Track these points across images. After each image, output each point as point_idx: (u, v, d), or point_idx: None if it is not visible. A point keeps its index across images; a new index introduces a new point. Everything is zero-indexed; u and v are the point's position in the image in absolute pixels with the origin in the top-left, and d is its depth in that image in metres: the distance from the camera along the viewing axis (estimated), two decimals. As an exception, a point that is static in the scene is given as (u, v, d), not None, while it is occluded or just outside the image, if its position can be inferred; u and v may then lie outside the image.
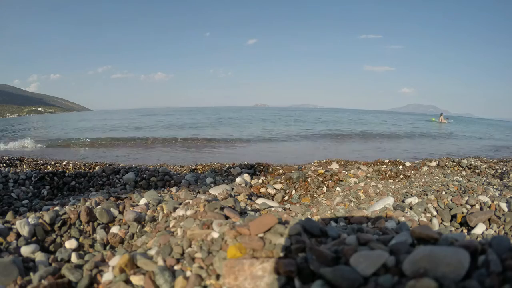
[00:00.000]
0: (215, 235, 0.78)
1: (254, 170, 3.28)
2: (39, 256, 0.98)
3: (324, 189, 2.53)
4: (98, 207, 1.25)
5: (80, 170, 3.29)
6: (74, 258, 1.01)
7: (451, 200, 1.82)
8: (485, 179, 2.63)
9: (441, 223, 1.74)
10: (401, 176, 2.90)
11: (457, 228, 1.69)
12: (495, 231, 1.60)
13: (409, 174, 2.98)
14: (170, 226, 1.06)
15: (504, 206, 1.69)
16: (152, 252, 0.83)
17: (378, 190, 2.42)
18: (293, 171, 2.97)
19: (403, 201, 1.98)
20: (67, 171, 3.17)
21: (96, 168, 3.39)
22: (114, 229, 1.15)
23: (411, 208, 1.81)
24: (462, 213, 1.72)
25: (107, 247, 1.10)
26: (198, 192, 2.01)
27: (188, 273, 0.71)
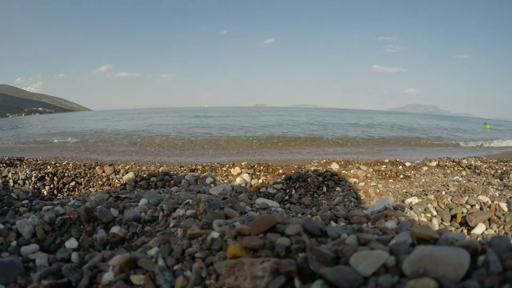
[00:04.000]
0: (215, 235, 0.78)
1: (254, 170, 3.28)
2: (39, 256, 0.98)
3: (324, 189, 2.53)
4: (98, 207, 1.25)
5: (80, 170, 3.29)
6: (74, 258, 1.01)
7: (451, 200, 1.82)
8: (485, 179, 2.63)
9: (441, 223, 1.74)
10: (401, 176, 2.90)
11: (457, 228, 1.69)
12: (495, 231, 1.60)
13: (409, 174, 2.98)
14: (170, 226, 1.06)
15: (504, 206, 1.69)
16: (152, 252, 0.83)
17: (378, 190, 2.42)
18: (293, 171, 2.97)
19: (403, 201, 1.98)
20: (67, 171, 3.17)
21: (96, 168, 3.39)
22: (114, 229, 1.15)
23: (411, 208, 1.81)
24: (462, 213, 1.72)
25: (107, 247, 1.10)
26: (198, 192, 2.01)
27: (188, 273, 0.71)
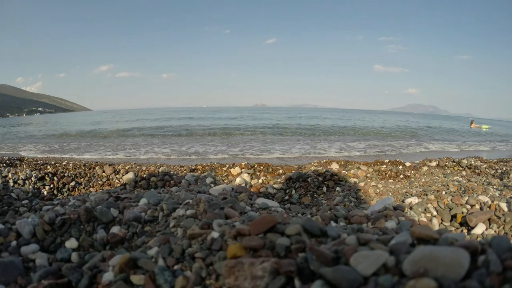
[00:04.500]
0: (215, 235, 0.78)
1: (254, 170, 3.28)
2: (39, 256, 0.98)
3: (324, 189, 2.53)
4: (98, 207, 1.25)
5: (80, 170, 3.29)
6: (74, 258, 1.01)
7: (451, 200, 1.82)
8: (485, 179, 2.63)
9: (441, 223, 1.74)
10: (401, 176, 2.90)
11: (457, 228, 1.69)
12: (495, 231, 1.60)
13: (409, 174, 2.98)
14: (170, 226, 1.06)
15: (504, 206, 1.69)
16: (152, 252, 0.83)
17: (378, 190, 2.42)
18: (293, 171, 2.97)
19: (403, 201, 1.98)
20: (67, 171, 3.17)
21: (96, 168, 3.39)
22: (114, 229, 1.15)
23: (411, 208, 1.81)
24: (462, 213, 1.72)
25: (107, 247, 1.10)
26: (198, 192, 2.01)
27: (188, 273, 0.71)
